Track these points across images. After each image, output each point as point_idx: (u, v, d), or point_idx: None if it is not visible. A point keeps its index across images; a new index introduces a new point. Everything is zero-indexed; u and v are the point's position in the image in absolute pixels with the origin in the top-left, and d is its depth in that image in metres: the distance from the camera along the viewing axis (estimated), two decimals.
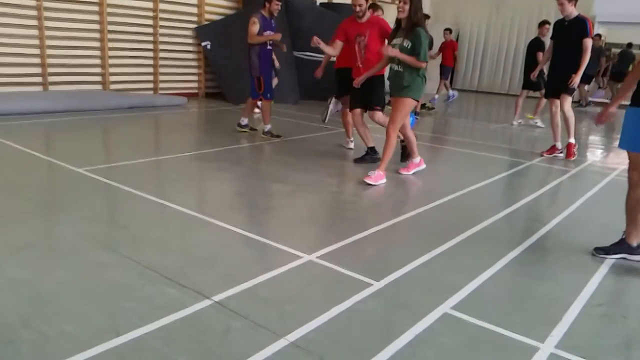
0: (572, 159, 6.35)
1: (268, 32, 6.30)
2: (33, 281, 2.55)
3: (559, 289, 2.81)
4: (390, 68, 4.80)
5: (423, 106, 10.39)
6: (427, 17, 10.43)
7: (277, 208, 4.13)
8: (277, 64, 7.01)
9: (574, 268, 3.08)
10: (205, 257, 2.94)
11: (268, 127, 6.71)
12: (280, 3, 6.37)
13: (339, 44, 5.40)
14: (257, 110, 8.85)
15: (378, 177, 4.72)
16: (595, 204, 4.58)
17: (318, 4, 11.81)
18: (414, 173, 5.17)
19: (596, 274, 3.00)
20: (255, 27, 6.19)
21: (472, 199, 4.49)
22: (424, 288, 2.71)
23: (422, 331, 2.27)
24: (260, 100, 6.69)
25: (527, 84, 9.03)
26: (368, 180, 4.67)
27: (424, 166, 5.28)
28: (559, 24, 6.24)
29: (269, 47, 6.43)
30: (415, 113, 9.59)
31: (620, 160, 6.16)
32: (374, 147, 5.59)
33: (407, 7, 4.47)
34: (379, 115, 5.40)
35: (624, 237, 3.26)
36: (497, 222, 3.87)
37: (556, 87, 6.29)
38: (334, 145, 6.44)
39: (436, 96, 11.68)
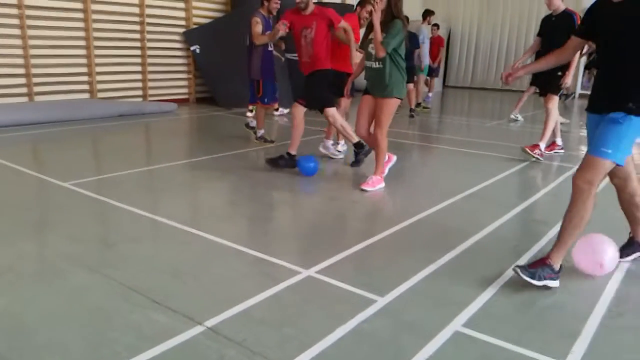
0: (534, 154, 5.95)
1: (268, 32, 6.13)
2: (12, 311, 2.37)
3: (574, 298, 2.65)
4: (367, 68, 4.54)
5: (418, 105, 10.24)
6: (431, 13, 10.33)
7: (272, 218, 3.96)
8: (276, 54, 6.84)
9: (587, 274, 2.92)
10: (197, 276, 2.76)
11: (261, 132, 6.54)
12: (279, 1, 6.19)
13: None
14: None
15: (376, 182, 4.56)
16: (599, 202, 4.41)
17: None
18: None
19: (612, 280, 2.85)
20: (258, 27, 6.01)
21: (474, 202, 4.34)
22: (431, 303, 2.54)
23: (433, 353, 2.10)
24: (257, 104, 6.50)
25: (535, 81, 8.83)
26: (365, 187, 4.50)
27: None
28: (546, 20, 6.01)
29: (270, 48, 6.28)
30: (410, 111, 9.47)
31: None
32: (291, 152, 5.22)
33: None
34: (299, 109, 5.10)
35: (631, 236, 3.14)
36: (502, 227, 3.72)
37: (545, 85, 6.11)
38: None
39: (430, 94, 11.54)
